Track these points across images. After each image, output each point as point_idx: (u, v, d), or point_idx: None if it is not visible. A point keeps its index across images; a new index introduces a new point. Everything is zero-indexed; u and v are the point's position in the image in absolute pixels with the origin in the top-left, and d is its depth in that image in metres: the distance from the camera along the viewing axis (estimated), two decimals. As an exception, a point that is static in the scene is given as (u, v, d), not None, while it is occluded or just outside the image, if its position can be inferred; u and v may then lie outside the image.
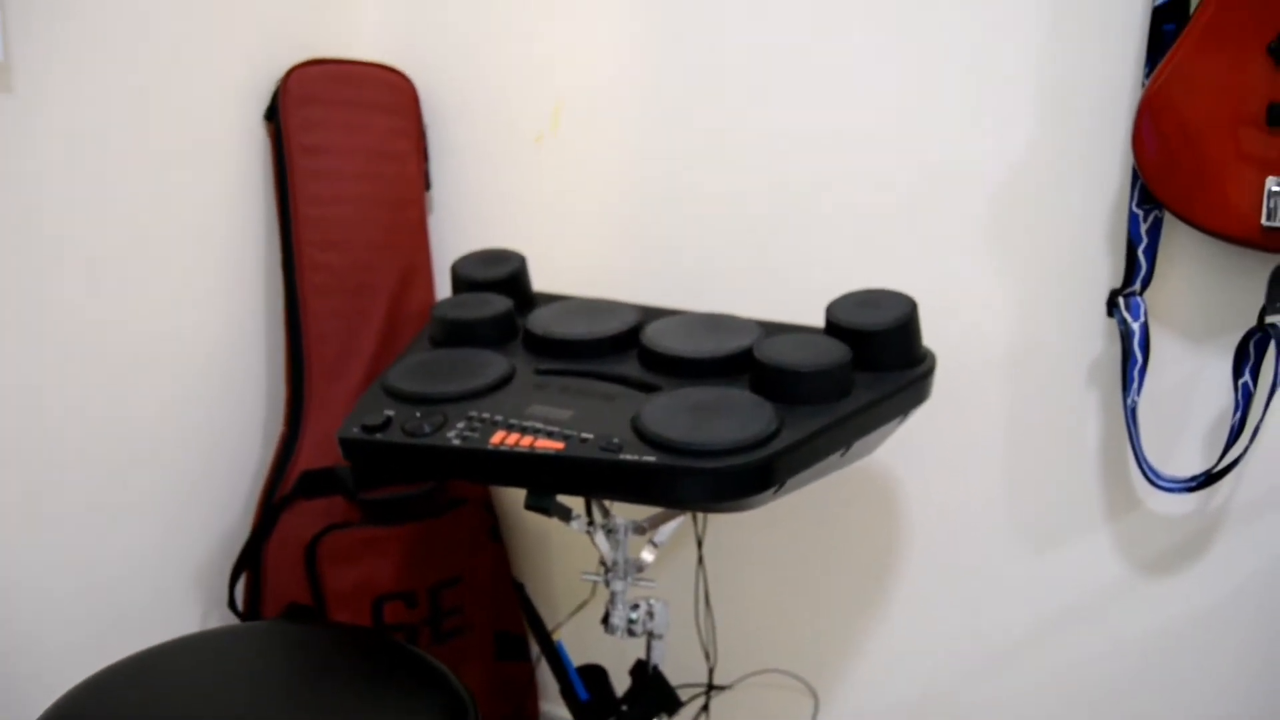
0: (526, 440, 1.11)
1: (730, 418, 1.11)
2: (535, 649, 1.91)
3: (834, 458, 1.16)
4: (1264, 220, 1.23)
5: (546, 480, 1.11)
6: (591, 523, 1.34)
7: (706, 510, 1.21)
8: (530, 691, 1.91)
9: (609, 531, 1.37)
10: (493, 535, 1.81)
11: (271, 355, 1.75)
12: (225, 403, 1.69)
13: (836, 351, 1.20)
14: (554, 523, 1.88)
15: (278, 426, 1.75)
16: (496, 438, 1.12)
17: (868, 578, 1.65)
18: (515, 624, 1.87)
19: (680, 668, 1.76)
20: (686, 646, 1.77)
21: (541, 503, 1.17)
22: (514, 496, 1.90)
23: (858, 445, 1.21)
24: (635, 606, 1.41)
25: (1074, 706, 1.56)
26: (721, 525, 1.72)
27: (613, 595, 1.39)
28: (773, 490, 1.09)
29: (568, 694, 1.48)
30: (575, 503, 1.34)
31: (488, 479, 1.15)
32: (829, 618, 1.69)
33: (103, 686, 0.99)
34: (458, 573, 1.74)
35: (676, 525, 1.37)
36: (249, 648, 1.07)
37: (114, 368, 1.50)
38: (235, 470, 1.72)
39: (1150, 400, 1.42)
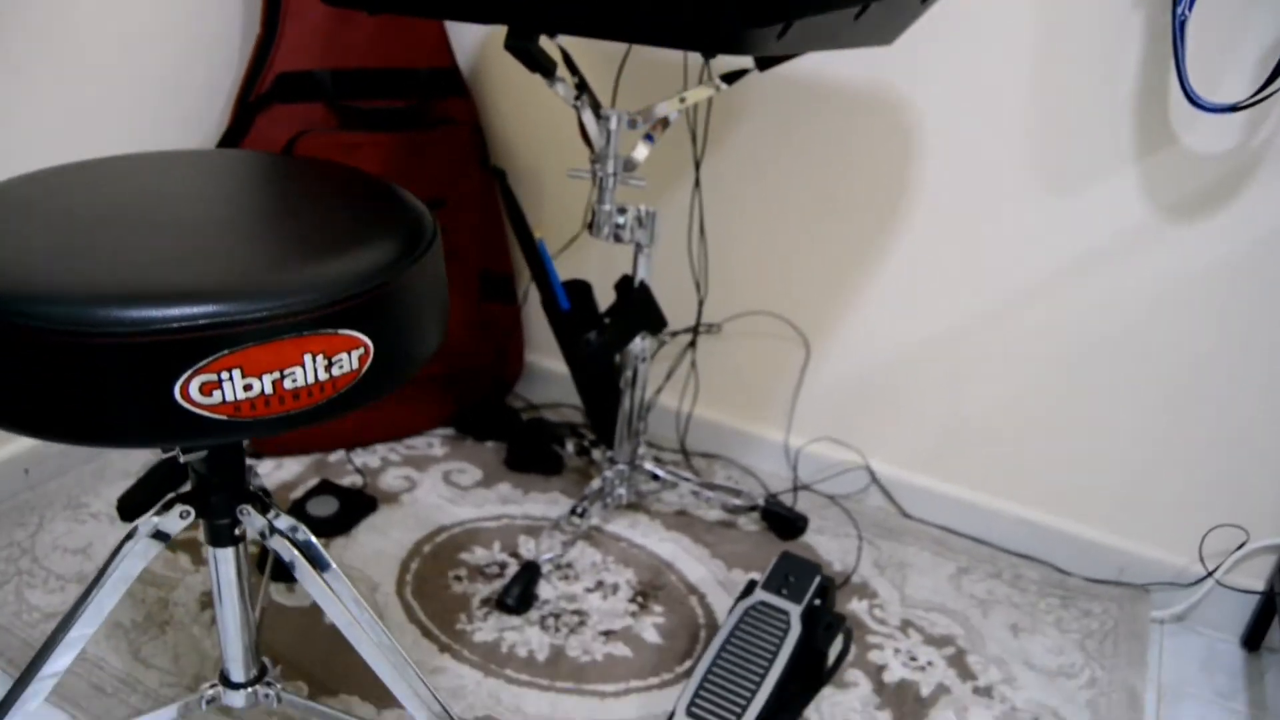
0: (506, -41, 0.99)
1: (735, -57, 0.98)
2: (522, 291, 1.86)
3: (848, 14, 1.04)
4: None
5: (525, 6, 1.00)
6: (580, 96, 1.24)
7: (700, 48, 1.10)
8: (515, 336, 1.87)
9: (600, 117, 1.27)
10: (483, 163, 1.72)
11: (248, -50, 1.62)
12: (201, 2, 1.56)
13: (862, -103, 1.06)
14: (548, 158, 1.78)
15: (255, 28, 1.63)
16: (473, -43, 1.00)
17: (871, 220, 1.56)
18: (503, 264, 1.81)
19: (668, 314, 1.71)
20: (677, 291, 1.71)
21: (522, 44, 1.07)
22: (505, 124, 1.80)
23: (874, 13, 1.09)
24: (623, 210, 1.33)
25: (1070, 357, 1.50)
26: (721, 157, 1.62)
27: (600, 190, 1.30)
28: (776, 32, 0.98)
29: (549, 304, 1.43)
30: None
31: (459, 11, 1.03)
32: (827, 264, 1.62)
33: (36, 177, 0.91)
34: (443, 195, 1.66)
35: (673, 118, 1.27)
36: (210, 162, 0.99)
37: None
38: (211, 74, 1.62)
39: (1202, 17, 1.29)
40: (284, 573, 1.42)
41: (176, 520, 0.93)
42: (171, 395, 0.70)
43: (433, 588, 1.45)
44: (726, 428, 1.80)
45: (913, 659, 1.39)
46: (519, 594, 1.40)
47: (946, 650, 1.41)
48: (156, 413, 0.71)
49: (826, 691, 1.32)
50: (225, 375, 0.71)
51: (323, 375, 0.75)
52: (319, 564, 0.98)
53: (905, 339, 1.60)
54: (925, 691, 1.33)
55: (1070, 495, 1.58)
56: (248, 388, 0.72)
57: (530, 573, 1.42)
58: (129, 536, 0.93)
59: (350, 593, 0.99)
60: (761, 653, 1.22)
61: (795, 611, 1.26)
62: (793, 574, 1.30)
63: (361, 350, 0.77)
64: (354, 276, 0.77)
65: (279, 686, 1.14)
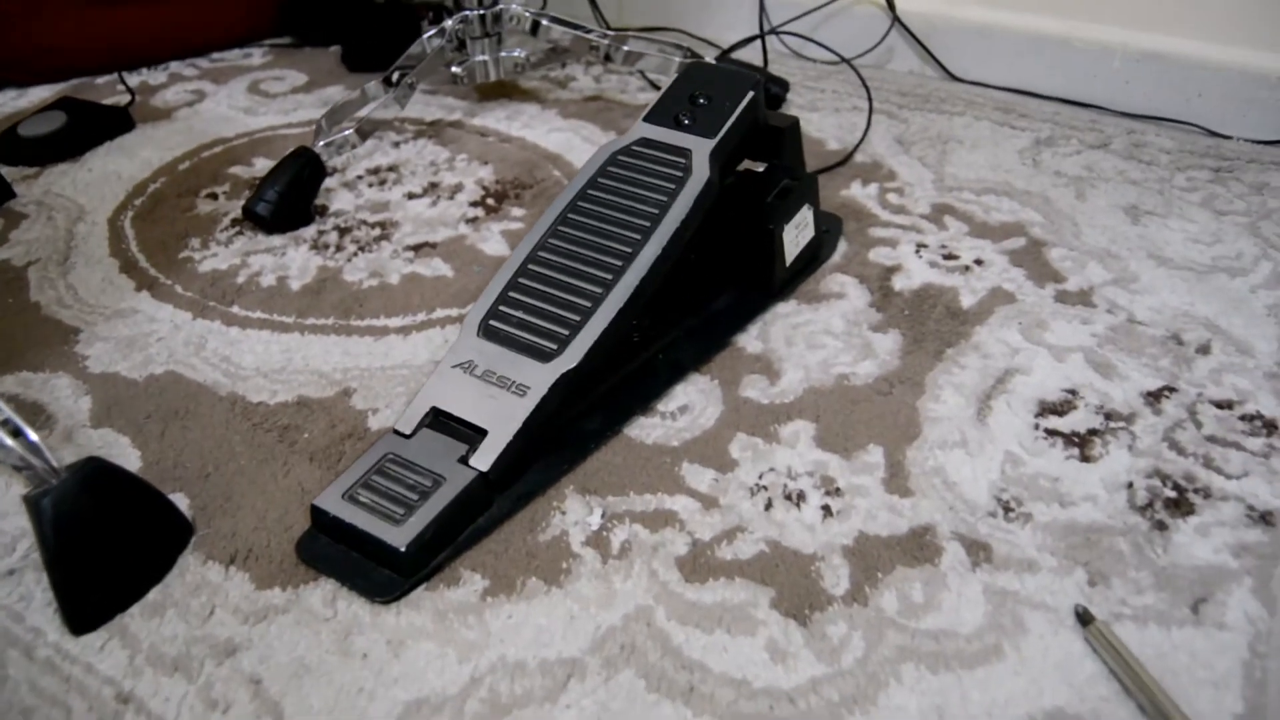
0: None
1: None
2: None
3: None
4: None
5: None
6: None
7: None
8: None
9: None
10: None
11: None
12: None
13: None
14: None
15: None
16: None
17: None
18: None
19: None
20: None
21: None
22: None
23: None
24: None
25: None
26: None
27: None
28: None
29: None
30: None
31: None
32: None
33: None
34: None
35: None
36: None
37: None
38: None
39: None
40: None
41: None
42: None
43: (168, 210, 0.91)
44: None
45: (949, 257, 0.80)
46: (277, 196, 0.84)
47: (1010, 243, 0.81)
48: None
49: (785, 308, 0.74)
50: None
51: None
52: None
53: None
54: (967, 301, 0.74)
55: (1234, 8, 0.93)
56: None
57: (300, 165, 0.85)
58: None
59: None
60: (629, 224, 0.64)
61: (702, 150, 0.67)
62: (704, 92, 0.70)
63: None
64: None
65: None
